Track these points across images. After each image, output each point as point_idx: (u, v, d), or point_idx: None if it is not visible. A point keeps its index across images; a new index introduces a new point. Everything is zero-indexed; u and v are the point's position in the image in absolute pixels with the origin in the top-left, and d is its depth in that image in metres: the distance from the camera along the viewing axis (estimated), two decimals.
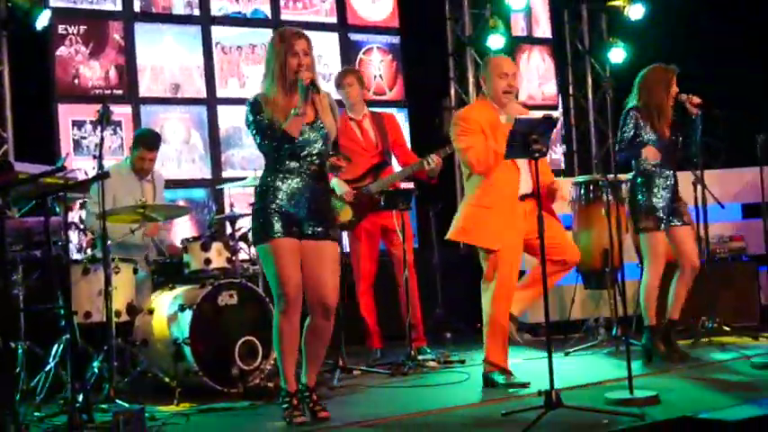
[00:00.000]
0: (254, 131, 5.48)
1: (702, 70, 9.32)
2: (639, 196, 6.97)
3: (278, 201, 5.41)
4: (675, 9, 10.32)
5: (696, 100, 6.86)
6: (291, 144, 5.37)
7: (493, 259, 6.21)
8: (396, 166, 7.83)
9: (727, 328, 7.69)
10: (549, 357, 5.26)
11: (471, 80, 10.69)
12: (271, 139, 5.39)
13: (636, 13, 10.64)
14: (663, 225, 6.89)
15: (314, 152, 5.48)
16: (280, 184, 5.43)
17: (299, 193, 5.43)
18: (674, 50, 8.78)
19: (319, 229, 5.46)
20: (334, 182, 7.41)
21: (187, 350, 6.42)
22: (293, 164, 5.45)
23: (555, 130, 5.83)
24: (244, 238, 7.23)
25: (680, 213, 6.97)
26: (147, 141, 7.48)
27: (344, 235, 7.95)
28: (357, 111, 7.77)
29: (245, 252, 7.31)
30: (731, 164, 8.62)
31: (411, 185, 8.17)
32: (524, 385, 6.13)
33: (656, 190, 6.93)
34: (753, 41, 9.90)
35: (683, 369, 6.55)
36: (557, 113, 6.15)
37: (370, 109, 7.93)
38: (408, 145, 8.45)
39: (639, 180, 6.99)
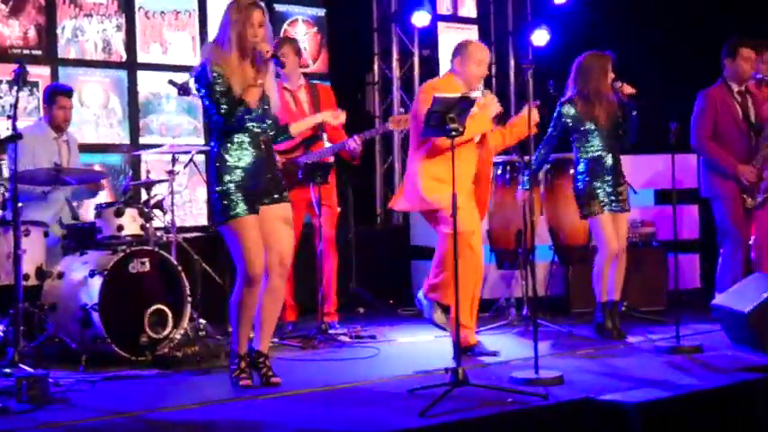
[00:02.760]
0: (212, 97, 5.46)
1: (623, 56, 9.45)
2: (580, 183, 7.12)
3: (237, 178, 5.48)
4: None
5: (628, 89, 6.96)
6: (248, 114, 5.44)
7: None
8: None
9: (636, 313, 7.85)
10: (457, 335, 5.33)
11: (395, 56, 10.69)
12: (228, 106, 5.41)
13: None
14: (606, 208, 7.05)
15: (264, 124, 5.59)
16: (235, 160, 5.49)
17: (254, 167, 5.52)
18: (596, 36, 8.90)
19: (275, 195, 5.60)
20: None
21: (95, 316, 6.35)
22: (245, 136, 5.51)
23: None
24: (158, 205, 7.17)
25: (620, 199, 7.14)
26: (62, 90, 7.48)
27: None
28: (292, 81, 7.69)
29: (160, 220, 7.25)
30: (645, 150, 8.76)
31: (331, 160, 8.14)
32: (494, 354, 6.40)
33: (596, 176, 7.07)
34: (671, 28, 10.02)
35: (589, 350, 6.66)
36: (475, 94, 6.16)
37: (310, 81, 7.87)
38: None
39: (581, 167, 7.10)
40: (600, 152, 7.09)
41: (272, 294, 5.65)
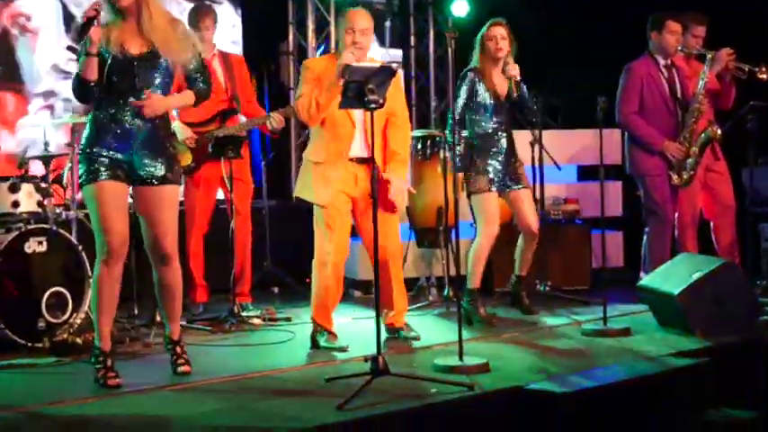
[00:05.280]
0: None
1: (544, 29, 9.24)
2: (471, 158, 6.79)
3: (105, 141, 5.05)
4: None
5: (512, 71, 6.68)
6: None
7: (323, 217, 5.93)
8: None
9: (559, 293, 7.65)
10: (378, 323, 5.01)
11: (311, 26, 10.33)
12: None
13: None
14: (494, 187, 6.72)
15: (146, 88, 5.08)
16: (107, 122, 5.06)
17: (127, 134, 5.07)
18: (518, 7, 8.63)
19: (155, 173, 5.14)
20: (176, 125, 6.98)
21: None
22: (121, 100, 5.05)
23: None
24: (58, 180, 6.76)
25: (517, 176, 6.81)
26: None
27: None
28: (206, 50, 7.32)
29: (59, 196, 6.82)
30: (570, 125, 8.57)
31: (243, 133, 7.78)
32: (343, 349, 5.90)
33: (489, 152, 6.73)
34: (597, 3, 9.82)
35: (514, 334, 6.41)
36: (396, 64, 5.85)
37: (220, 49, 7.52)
38: None
39: (473, 142, 6.78)
40: (494, 128, 6.80)
41: (161, 283, 5.30)
